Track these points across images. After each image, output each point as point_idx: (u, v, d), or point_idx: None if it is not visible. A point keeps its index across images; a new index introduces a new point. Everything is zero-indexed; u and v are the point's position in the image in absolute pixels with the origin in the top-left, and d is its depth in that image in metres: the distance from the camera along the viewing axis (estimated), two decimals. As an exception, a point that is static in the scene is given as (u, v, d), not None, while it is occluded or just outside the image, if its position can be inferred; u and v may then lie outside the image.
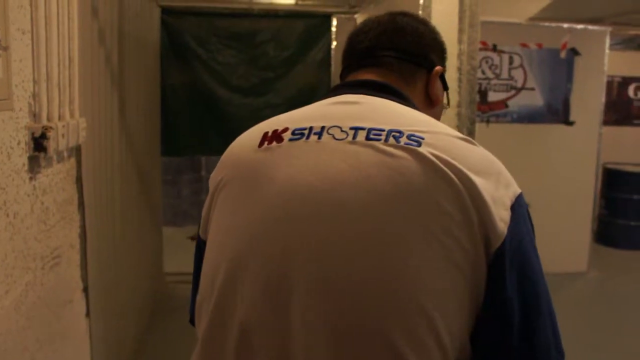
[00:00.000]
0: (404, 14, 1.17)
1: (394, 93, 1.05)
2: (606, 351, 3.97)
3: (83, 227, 2.16)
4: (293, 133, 0.95)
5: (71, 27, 1.86)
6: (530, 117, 5.11)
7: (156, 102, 4.48)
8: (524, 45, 5.05)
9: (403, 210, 0.83)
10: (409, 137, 0.88)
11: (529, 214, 0.92)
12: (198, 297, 0.98)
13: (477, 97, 4.86)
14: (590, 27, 5.28)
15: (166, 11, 4.55)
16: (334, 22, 4.79)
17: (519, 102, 5.07)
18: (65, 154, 1.94)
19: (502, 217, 0.84)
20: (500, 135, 5.07)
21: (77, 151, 2.08)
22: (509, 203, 0.87)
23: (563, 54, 5.10)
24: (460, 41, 2.83)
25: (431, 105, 1.13)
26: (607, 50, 5.28)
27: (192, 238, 5.92)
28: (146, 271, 4.04)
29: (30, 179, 1.62)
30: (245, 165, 0.96)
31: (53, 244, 1.82)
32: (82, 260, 2.15)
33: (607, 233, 6.53)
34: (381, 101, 1.01)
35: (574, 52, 5.13)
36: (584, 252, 5.48)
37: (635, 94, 7.63)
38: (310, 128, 0.95)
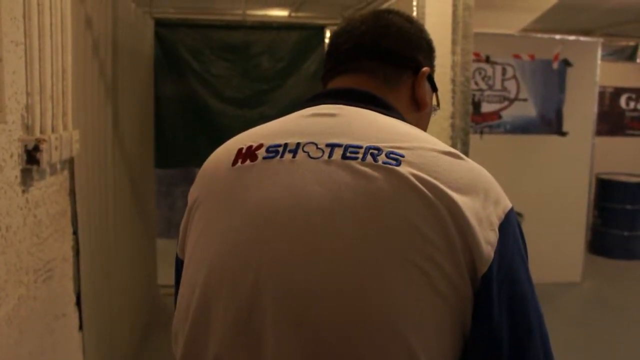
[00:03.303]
0: (389, 12, 1.10)
1: (376, 102, 0.99)
2: (600, 356, 3.97)
3: (76, 240, 2.15)
4: (267, 150, 0.91)
5: (65, 38, 1.85)
6: (523, 128, 5.13)
7: (149, 114, 4.48)
8: (516, 56, 5.08)
9: (379, 238, 0.79)
10: (387, 155, 0.84)
11: (520, 229, 0.88)
12: (174, 322, 0.95)
13: (471, 109, 4.88)
14: (581, 38, 5.33)
15: (160, 23, 4.55)
16: (328, 34, 4.80)
17: (512, 113, 5.09)
18: (59, 167, 1.93)
19: (488, 239, 0.80)
20: (494, 146, 5.08)
21: (70, 163, 2.07)
22: (496, 222, 0.82)
23: (555, 65, 5.13)
24: (453, 52, 2.85)
25: (418, 109, 1.06)
26: (598, 61, 5.32)
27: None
28: (140, 283, 4.01)
29: (23, 191, 1.61)
30: (219, 184, 0.93)
31: (46, 257, 1.80)
32: (75, 273, 2.14)
33: (600, 243, 6.54)
34: (361, 112, 0.95)
35: (566, 63, 5.16)
36: (578, 262, 5.48)
37: (628, 105, 7.67)
38: (285, 145, 0.90)
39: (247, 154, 0.92)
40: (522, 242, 0.88)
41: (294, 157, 0.88)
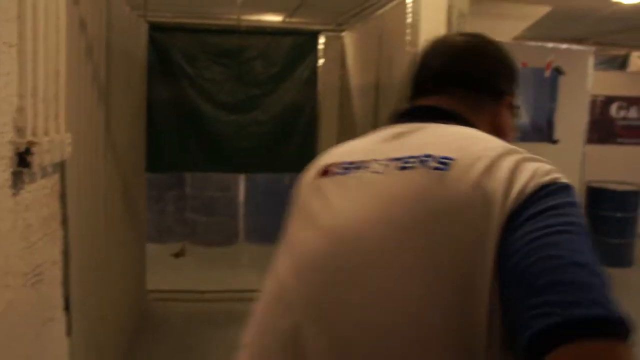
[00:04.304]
0: (475, 36, 1.14)
1: (458, 119, 1.02)
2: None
3: (66, 244, 2.13)
4: (340, 167, 1.02)
5: (59, 40, 1.84)
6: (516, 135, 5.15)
7: (142, 118, 4.46)
8: (509, 64, 5.10)
9: (420, 250, 0.83)
10: (439, 160, 0.88)
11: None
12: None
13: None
14: (573, 47, 5.36)
15: (154, 27, 4.54)
16: (322, 40, 4.80)
17: (504, 121, 5.11)
18: (50, 170, 1.91)
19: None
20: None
21: (61, 167, 2.05)
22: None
23: (547, 73, 5.15)
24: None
25: (499, 136, 1.03)
26: (590, 70, 5.34)
27: (176, 255, 5.87)
28: (129, 288, 3.99)
29: (13, 194, 1.59)
30: (303, 193, 1.06)
31: (35, 261, 1.78)
32: (64, 277, 2.11)
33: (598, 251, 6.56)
34: (435, 126, 1.00)
35: (558, 71, 5.18)
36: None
37: (618, 113, 7.72)
38: (353, 162, 1.00)
39: (326, 170, 1.04)
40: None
41: (357, 170, 0.98)
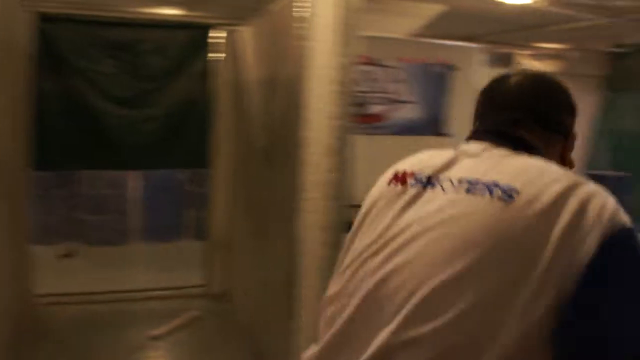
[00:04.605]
0: (544, 76, 1.29)
1: (537, 151, 1.15)
2: None
3: None
4: (414, 178, 1.16)
5: None
6: (409, 129, 5.28)
7: (24, 113, 4.22)
8: (404, 60, 5.22)
9: (495, 263, 0.95)
10: (503, 189, 1.00)
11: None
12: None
13: (356, 109, 4.97)
14: (465, 44, 5.55)
15: (43, 18, 4.30)
16: (222, 34, 4.73)
17: (399, 115, 5.23)
18: None
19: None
20: (381, 147, 5.18)
21: None
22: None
23: (440, 69, 5.32)
24: (338, 54, 2.87)
25: (564, 167, 1.15)
26: (480, 66, 5.56)
27: (65, 256, 5.60)
28: (9, 292, 3.76)
29: None
30: (378, 197, 1.20)
31: None
32: None
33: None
34: (499, 153, 1.13)
35: (450, 67, 5.36)
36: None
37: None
38: (429, 177, 1.14)
39: (400, 178, 1.19)
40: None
41: (433, 187, 1.12)
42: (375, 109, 5.16)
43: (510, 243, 0.95)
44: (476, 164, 1.11)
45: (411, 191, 1.14)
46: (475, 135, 1.21)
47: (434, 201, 1.08)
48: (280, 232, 3.26)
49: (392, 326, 0.97)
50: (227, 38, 4.78)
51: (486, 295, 0.93)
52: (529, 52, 9.82)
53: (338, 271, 1.19)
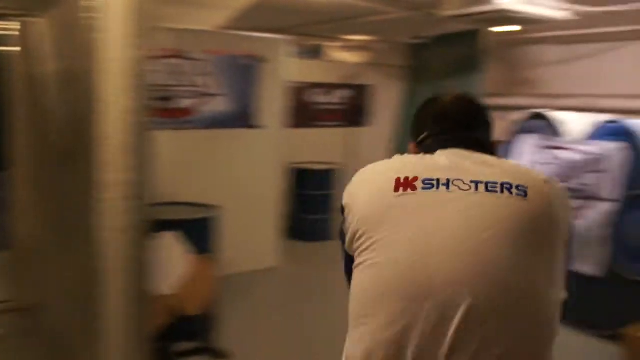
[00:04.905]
0: (474, 97, 1.65)
1: (490, 149, 1.52)
2: (301, 336, 4.25)
3: None
4: (423, 182, 1.34)
5: None
6: (219, 122, 5.23)
7: None
8: (210, 52, 5.16)
9: (526, 245, 1.30)
10: (517, 187, 1.33)
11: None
12: (355, 304, 1.45)
13: (163, 104, 4.84)
14: (272, 35, 5.61)
15: None
16: (17, 25, 4.33)
17: (207, 109, 5.16)
18: None
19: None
20: (190, 142, 5.11)
21: None
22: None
23: (247, 61, 5.33)
24: (131, 46, 2.75)
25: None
26: (287, 58, 5.66)
27: None
28: None
29: None
30: (390, 206, 1.34)
31: None
32: None
33: (298, 228, 7.03)
34: (483, 156, 1.45)
35: (258, 59, 5.39)
36: (275, 248, 5.80)
37: (316, 99, 8.35)
38: (438, 180, 1.34)
39: (407, 184, 1.34)
40: None
41: (447, 189, 1.33)
42: (184, 103, 5.04)
43: (535, 224, 1.32)
44: (478, 167, 1.39)
45: (430, 194, 1.33)
46: (446, 144, 1.49)
47: (460, 200, 1.31)
48: (80, 235, 3.08)
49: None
50: (21, 30, 4.39)
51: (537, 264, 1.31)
52: (337, 43, 10.23)
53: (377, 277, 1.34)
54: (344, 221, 1.45)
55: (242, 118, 5.36)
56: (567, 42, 9.54)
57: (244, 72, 5.35)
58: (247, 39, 5.36)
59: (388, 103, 9.26)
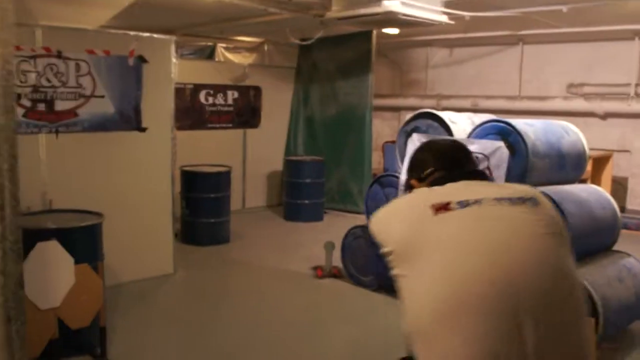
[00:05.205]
0: (460, 143, 2.03)
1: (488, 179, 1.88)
2: (199, 344, 4.14)
3: None
4: (458, 203, 1.57)
5: None
6: (101, 125, 4.99)
7: None
8: (90, 51, 4.92)
9: (546, 239, 1.56)
10: (529, 199, 1.62)
11: None
12: (418, 312, 1.52)
13: (37, 105, 4.56)
14: (156, 35, 5.44)
15: None
16: None
17: (89, 111, 4.90)
18: None
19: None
20: (72, 145, 4.85)
21: None
22: None
23: (131, 62, 5.13)
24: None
25: None
26: (173, 58, 5.51)
27: None
28: None
29: None
30: (433, 227, 1.54)
31: None
32: None
33: (190, 232, 6.88)
34: (489, 182, 1.86)
35: (141, 59, 5.21)
36: (169, 254, 5.64)
37: (207, 100, 8.22)
38: (468, 200, 1.58)
39: (442, 207, 1.56)
40: None
41: (479, 206, 1.57)
42: (64, 104, 4.77)
43: (554, 224, 1.61)
44: (493, 189, 1.69)
45: (467, 211, 1.56)
46: (453, 177, 1.76)
47: (494, 212, 1.57)
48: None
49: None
50: None
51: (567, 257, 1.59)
52: (225, 44, 10.13)
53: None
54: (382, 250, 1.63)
55: (127, 120, 5.15)
56: (451, 45, 9.97)
57: (126, 73, 5.15)
58: (128, 38, 5.15)
59: (279, 103, 9.27)
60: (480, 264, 1.45)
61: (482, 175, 1.84)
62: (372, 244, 5.20)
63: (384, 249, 1.60)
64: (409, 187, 1.94)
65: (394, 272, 1.56)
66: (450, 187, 1.70)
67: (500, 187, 1.74)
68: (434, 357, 1.43)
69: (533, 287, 1.44)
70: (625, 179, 8.45)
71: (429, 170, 1.86)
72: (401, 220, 1.61)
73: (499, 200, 1.59)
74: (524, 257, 1.48)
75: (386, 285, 5.21)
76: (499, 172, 4.32)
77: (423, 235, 1.53)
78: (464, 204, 1.56)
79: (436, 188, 1.71)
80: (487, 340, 1.38)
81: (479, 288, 1.41)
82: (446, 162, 1.87)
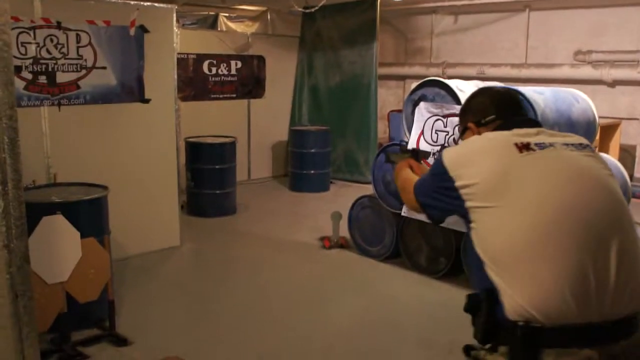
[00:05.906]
0: (514, 91, 2.37)
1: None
2: (207, 316, 4.14)
3: None
4: (536, 145, 1.74)
5: None
6: (104, 97, 4.92)
7: None
8: (90, 22, 4.83)
9: (610, 179, 1.76)
10: (587, 146, 1.82)
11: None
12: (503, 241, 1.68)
13: (43, 78, 4.50)
14: (156, 4, 5.33)
15: None
16: None
17: (91, 82, 4.83)
18: None
19: None
20: (75, 118, 4.79)
21: None
22: None
23: (132, 32, 5.04)
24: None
25: None
26: (175, 28, 5.41)
27: None
28: None
29: None
30: (520, 164, 1.70)
31: None
32: None
33: (196, 204, 6.86)
34: (552, 131, 1.89)
35: (142, 29, 5.12)
36: (175, 226, 5.61)
37: (210, 70, 8.12)
38: (544, 143, 1.75)
39: (524, 147, 1.73)
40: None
41: (553, 147, 1.75)
42: (65, 77, 4.70)
43: (608, 167, 1.81)
44: (559, 136, 1.83)
45: (547, 152, 1.73)
46: (516, 124, 1.86)
47: (568, 154, 1.74)
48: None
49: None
50: None
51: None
52: (227, 13, 9.99)
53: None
54: (450, 188, 1.77)
55: (129, 92, 5.08)
56: (457, 12, 9.81)
57: (128, 44, 5.06)
58: (128, 8, 5.04)
59: (283, 73, 9.17)
60: (566, 197, 1.63)
61: (539, 124, 1.92)
62: (380, 214, 5.18)
63: (459, 182, 1.73)
64: (464, 130, 2.06)
65: (471, 204, 1.70)
66: (522, 131, 1.81)
67: (563, 135, 1.85)
68: (522, 279, 1.57)
69: (612, 220, 1.64)
70: (634, 147, 8.35)
71: (490, 117, 1.97)
72: (489, 157, 1.72)
73: (567, 145, 1.76)
74: (603, 194, 1.67)
75: (393, 255, 5.20)
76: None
77: (512, 170, 1.67)
78: (542, 146, 1.73)
79: (510, 132, 1.81)
80: (571, 263, 1.55)
81: (566, 218, 1.59)
82: (507, 109, 1.98)
